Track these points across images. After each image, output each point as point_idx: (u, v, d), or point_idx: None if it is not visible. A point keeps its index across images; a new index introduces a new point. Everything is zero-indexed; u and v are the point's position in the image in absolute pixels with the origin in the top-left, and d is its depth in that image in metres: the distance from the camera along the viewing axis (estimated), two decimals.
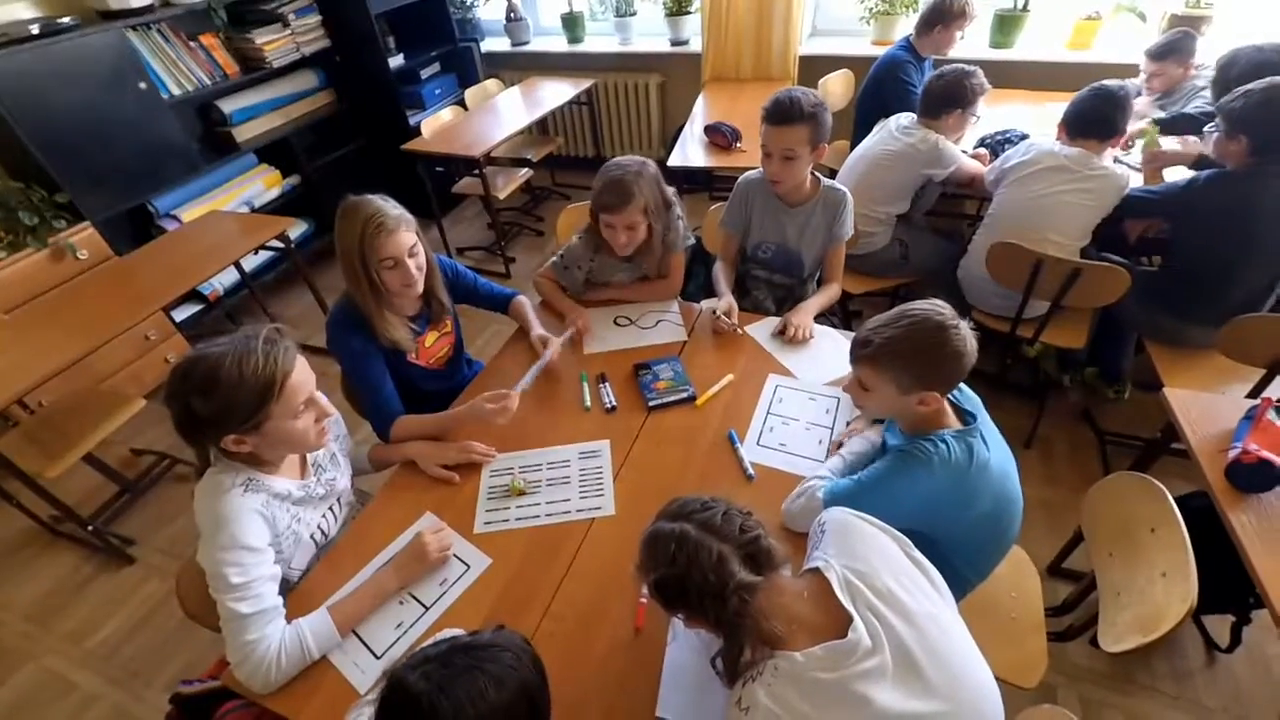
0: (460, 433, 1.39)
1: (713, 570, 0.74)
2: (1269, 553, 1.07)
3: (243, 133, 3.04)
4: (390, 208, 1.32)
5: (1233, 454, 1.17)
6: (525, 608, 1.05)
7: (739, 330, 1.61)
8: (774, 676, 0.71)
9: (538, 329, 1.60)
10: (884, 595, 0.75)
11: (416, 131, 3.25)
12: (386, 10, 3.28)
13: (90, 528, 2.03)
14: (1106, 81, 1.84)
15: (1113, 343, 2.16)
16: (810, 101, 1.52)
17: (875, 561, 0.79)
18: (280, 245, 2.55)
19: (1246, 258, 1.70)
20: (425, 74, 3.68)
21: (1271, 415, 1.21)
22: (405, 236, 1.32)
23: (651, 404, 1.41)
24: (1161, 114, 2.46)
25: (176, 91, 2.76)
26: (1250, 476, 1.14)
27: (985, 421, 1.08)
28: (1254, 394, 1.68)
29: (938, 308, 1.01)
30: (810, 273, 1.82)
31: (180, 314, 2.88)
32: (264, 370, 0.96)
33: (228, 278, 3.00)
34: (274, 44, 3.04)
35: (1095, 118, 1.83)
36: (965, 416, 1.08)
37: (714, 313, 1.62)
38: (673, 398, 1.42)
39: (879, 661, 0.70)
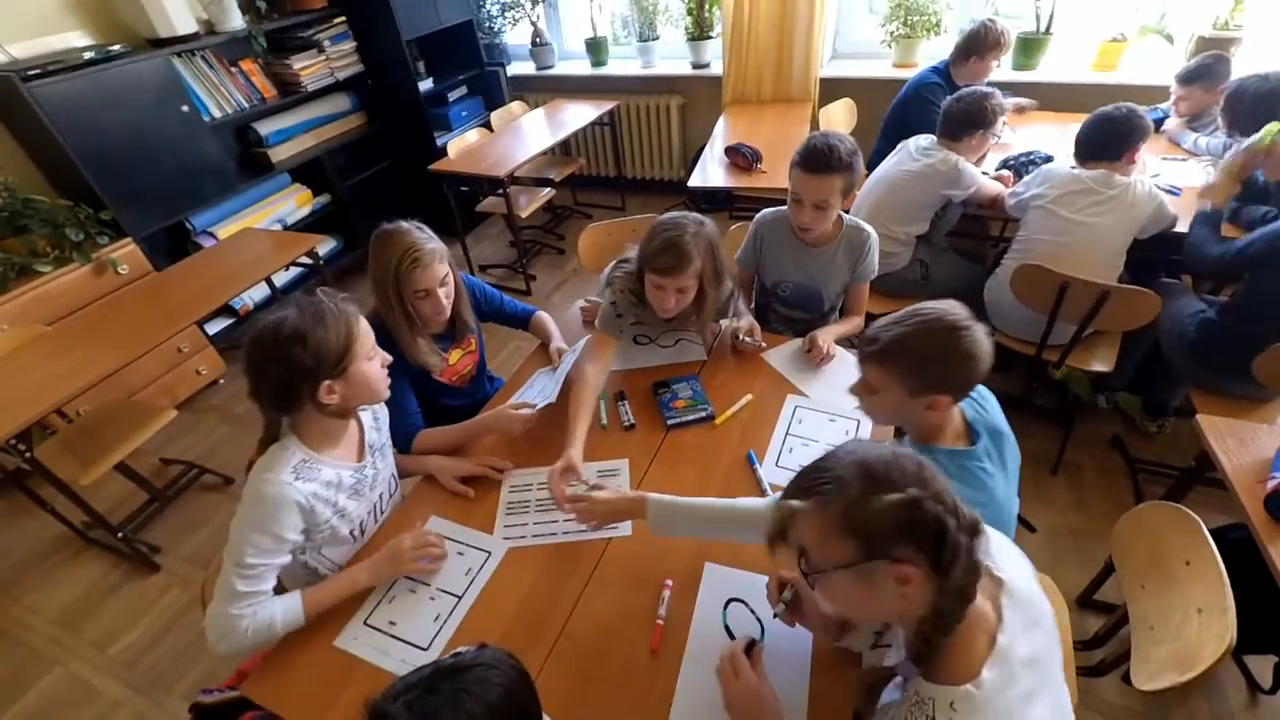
0: (481, 443, 1.41)
1: (950, 497, 0.65)
2: None
3: (278, 153, 3.15)
4: (425, 240, 1.36)
5: (1272, 484, 1.13)
6: (541, 626, 1.05)
7: (763, 346, 1.61)
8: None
9: (558, 341, 1.63)
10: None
11: (443, 152, 3.34)
12: (417, 37, 3.40)
13: (120, 535, 2.08)
14: (1109, 107, 1.85)
15: (1162, 378, 2.10)
16: (846, 150, 1.48)
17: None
18: (310, 261, 2.62)
19: None
20: (453, 96, 3.79)
21: None
22: (439, 269, 1.37)
23: (670, 423, 1.41)
24: (1193, 135, 2.43)
25: (217, 114, 2.88)
26: None
27: (1005, 442, 1.05)
28: None
29: (951, 308, 0.99)
30: (831, 308, 1.80)
31: (212, 327, 2.98)
32: (339, 315, 1.06)
33: (259, 292, 3.09)
34: (310, 69, 3.16)
35: (1099, 141, 1.83)
36: (972, 435, 1.04)
37: (735, 334, 1.62)
38: (691, 417, 1.41)
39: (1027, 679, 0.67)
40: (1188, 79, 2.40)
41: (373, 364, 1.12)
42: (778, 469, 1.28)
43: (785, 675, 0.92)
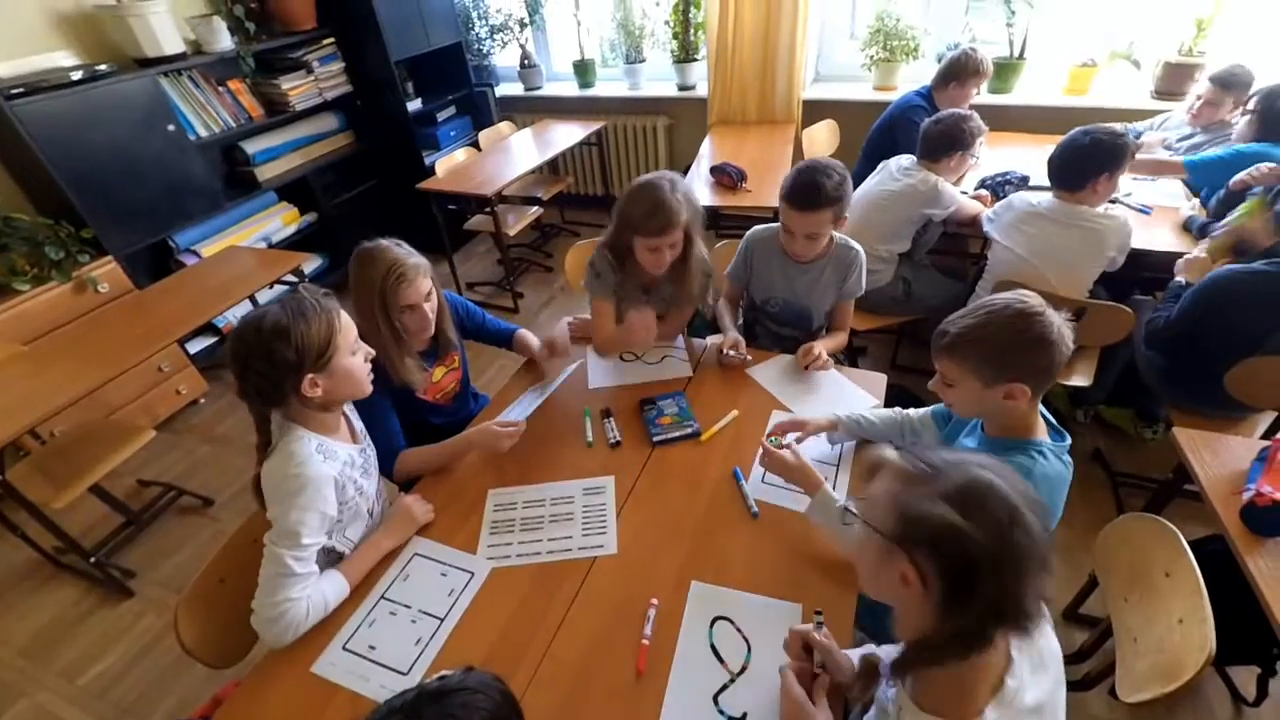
0: (464, 461, 1.40)
1: (1014, 574, 0.60)
2: None
3: (264, 172, 3.15)
4: (407, 255, 1.37)
5: (1247, 496, 1.15)
6: (524, 650, 1.03)
7: (748, 360, 1.62)
8: None
9: (536, 344, 1.66)
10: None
11: (431, 171, 3.35)
12: (406, 58, 3.43)
13: (93, 559, 2.02)
14: (1076, 132, 1.80)
15: (1142, 389, 2.13)
16: (834, 182, 1.46)
17: None
18: (295, 279, 2.61)
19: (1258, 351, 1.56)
20: (441, 117, 3.82)
21: None
22: (423, 283, 1.37)
23: (656, 439, 1.41)
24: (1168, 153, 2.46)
25: (203, 133, 2.88)
26: (1265, 519, 1.12)
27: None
28: (1267, 435, 1.66)
29: (1020, 296, 0.98)
30: (819, 325, 1.82)
31: (194, 346, 2.94)
32: (321, 310, 1.08)
33: (242, 310, 3.06)
34: (298, 89, 3.18)
35: (1063, 169, 1.83)
36: (1052, 432, 1.04)
37: (720, 349, 1.63)
38: (677, 433, 1.41)
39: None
40: (1226, 83, 2.32)
41: (355, 358, 1.13)
42: (764, 485, 1.28)
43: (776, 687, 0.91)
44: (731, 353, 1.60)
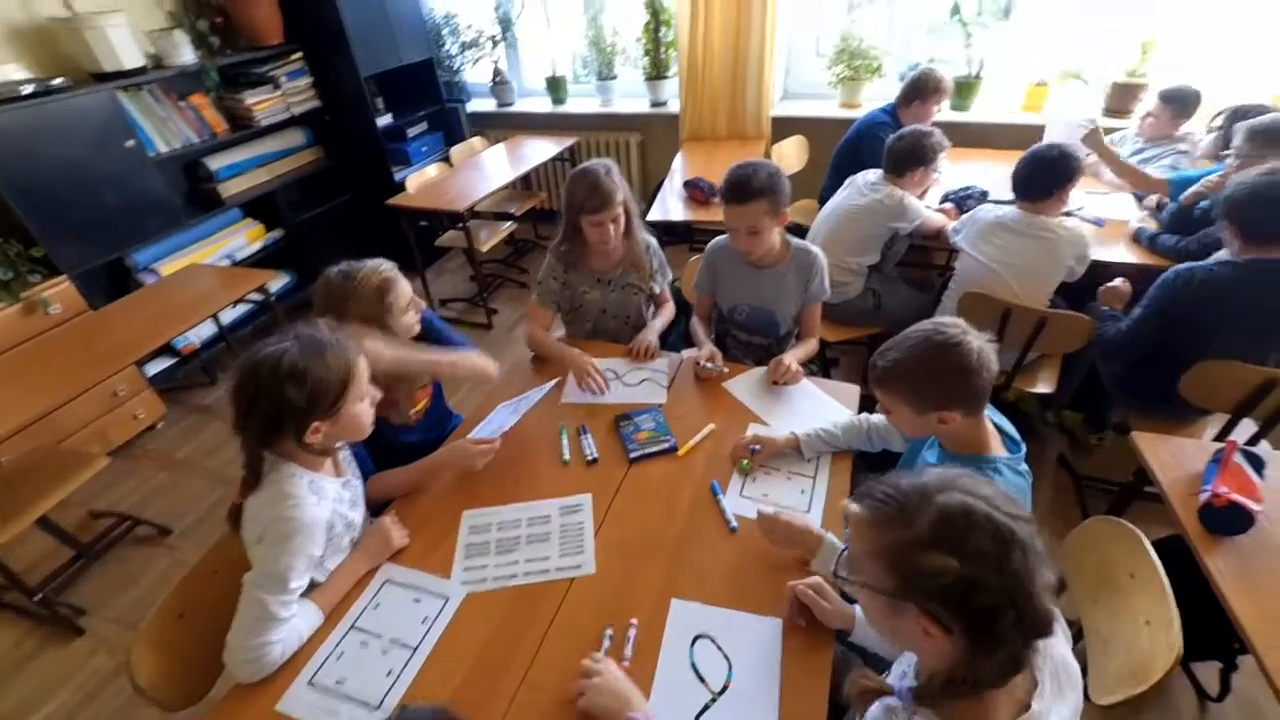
0: (436, 482, 1.36)
1: (1026, 593, 0.60)
2: (1248, 596, 1.08)
3: (228, 188, 3.07)
4: (377, 262, 1.37)
5: (1204, 497, 1.19)
6: (500, 677, 1.00)
7: (725, 370, 1.63)
8: None
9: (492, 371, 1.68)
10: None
11: (402, 187, 3.31)
12: (377, 74, 3.41)
13: (38, 597, 1.91)
14: (1042, 146, 1.91)
15: (1100, 395, 2.20)
16: (764, 175, 1.54)
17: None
18: (260, 298, 2.54)
19: (1209, 351, 1.63)
20: (412, 132, 3.79)
21: (1238, 458, 1.24)
22: (406, 283, 1.40)
23: (633, 455, 1.40)
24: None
25: (164, 149, 2.80)
26: (1222, 519, 1.16)
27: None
28: (1220, 437, 1.72)
29: (940, 326, 1.00)
30: (787, 331, 1.85)
31: (153, 368, 2.83)
32: (341, 355, 1.05)
33: (204, 331, 2.97)
34: (264, 104, 3.12)
35: (1031, 181, 1.90)
36: (1008, 442, 1.07)
37: (697, 361, 1.64)
38: (654, 448, 1.41)
39: None
40: (1168, 99, 2.45)
41: (364, 404, 1.11)
42: (742, 499, 1.28)
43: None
44: (709, 364, 1.61)
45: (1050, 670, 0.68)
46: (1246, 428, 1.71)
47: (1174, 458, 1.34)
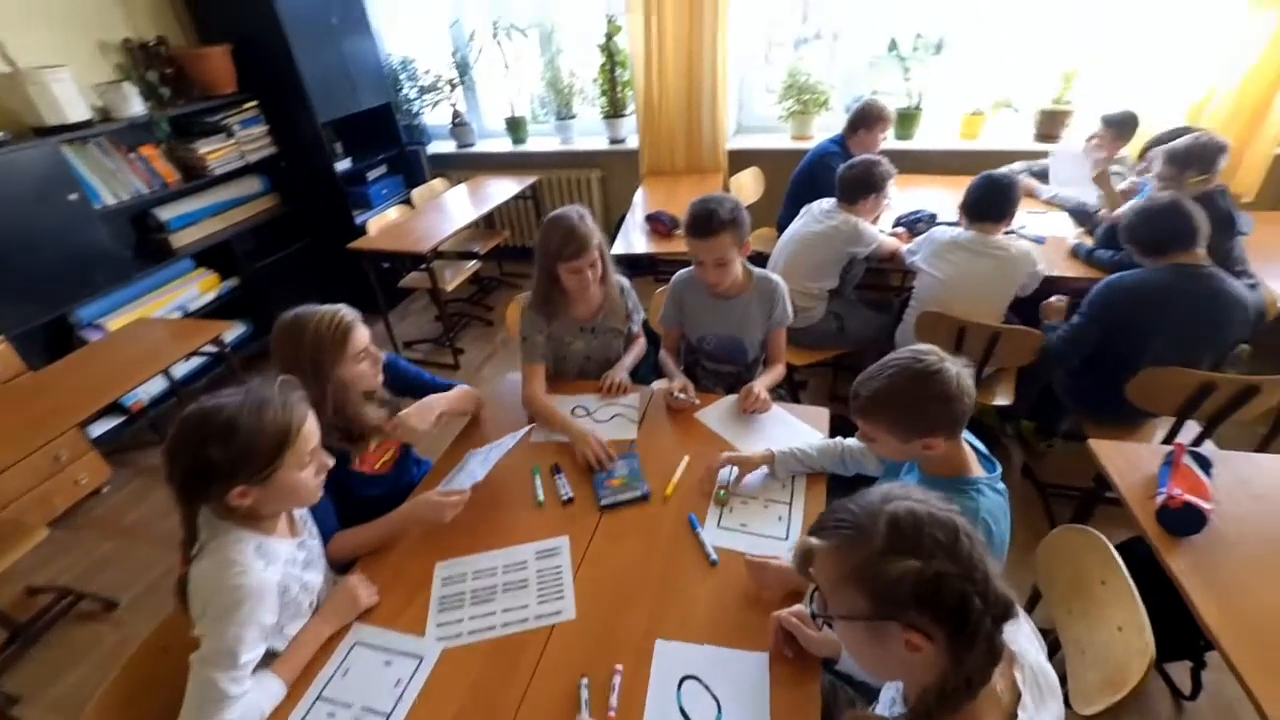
0: (404, 537, 1.31)
1: (982, 575, 0.63)
2: (1209, 595, 1.11)
3: (180, 238, 3.00)
4: (335, 307, 1.33)
5: (1160, 500, 1.24)
6: None
7: (696, 402, 1.64)
8: None
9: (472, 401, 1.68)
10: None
11: (363, 230, 3.29)
12: (334, 119, 3.40)
13: None
14: (994, 171, 2.08)
15: (1050, 404, 2.28)
16: (727, 209, 1.58)
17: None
18: (215, 349, 2.46)
19: (1147, 352, 1.73)
20: (372, 176, 3.78)
21: (1187, 460, 1.30)
22: (364, 328, 1.36)
23: (603, 503, 1.35)
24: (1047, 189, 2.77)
25: (110, 201, 2.72)
26: (1179, 521, 1.20)
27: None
28: (1168, 439, 1.80)
29: (919, 355, 1.03)
30: (755, 358, 1.88)
31: (98, 428, 2.69)
32: (282, 417, 0.98)
33: (154, 386, 2.85)
34: (217, 153, 3.08)
35: (986, 204, 2.02)
36: (984, 461, 1.09)
37: (669, 393, 1.65)
38: (625, 496, 1.36)
39: None
40: (1110, 123, 2.61)
41: (305, 472, 1.03)
42: (720, 530, 1.27)
43: None
44: (681, 395, 1.62)
45: (1030, 680, 0.69)
46: (1192, 429, 1.79)
47: (1129, 462, 1.40)
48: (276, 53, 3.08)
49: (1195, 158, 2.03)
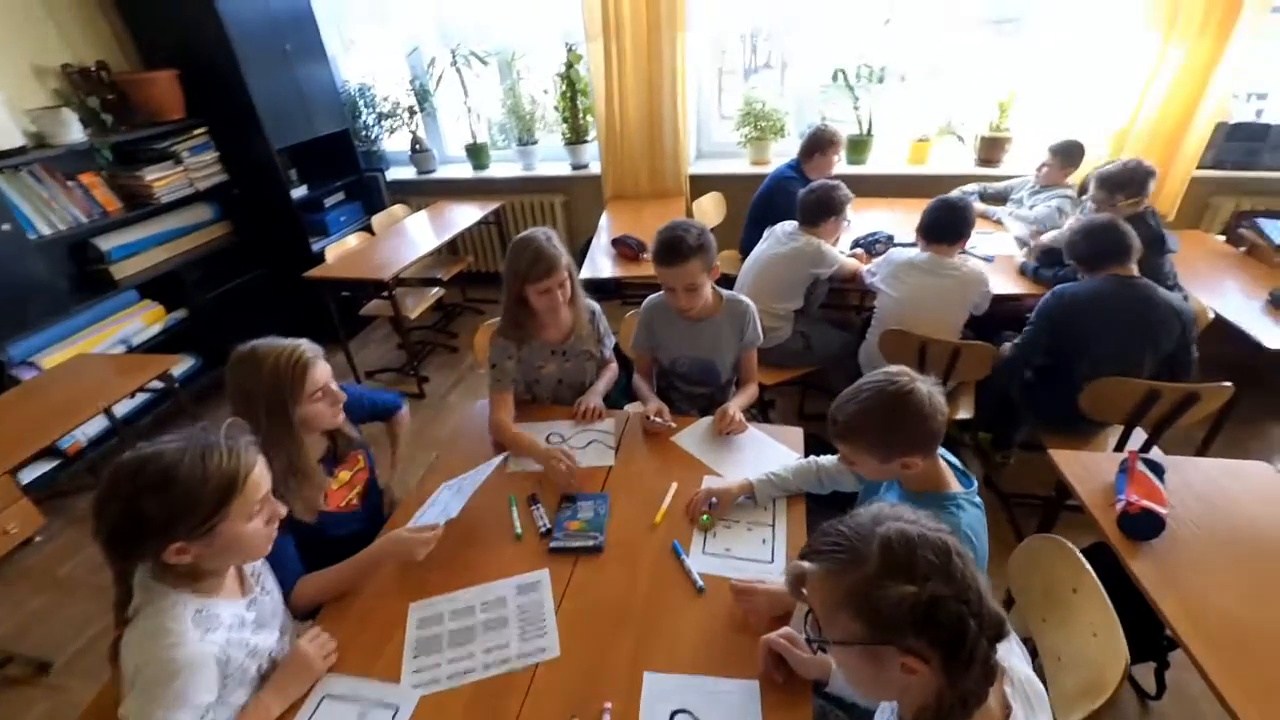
0: (373, 578, 1.25)
1: (975, 595, 0.63)
2: (1171, 595, 1.16)
3: (123, 269, 2.85)
4: (295, 341, 1.27)
5: (1120, 506, 1.29)
6: None
7: (673, 425, 1.63)
8: None
9: (400, 451, 1.71)
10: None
11: (321, 258, 3.19)
12: (289, 146, 3.32)
13: None
14: (949, 195, 2.18)
15: (1006, 416, 2.37)
16: (694, 235, 1.61)
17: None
18: (162, 385, 2.33)
19: (1092, 358, 1.83)
20: (329, 203, 3.70)
21: (1141, 466, 1.36)
22: (324, 364, 1.29)
23: (552, 546, 1.29)
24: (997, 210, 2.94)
25: (46, 231, 2.57)
26: (1138, 526, 1.26)
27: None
28: (1119, 446, 1.90)
29: (891, 377, 1.05)
30: (728, 379, 1.90)
31: (30, 472, 2.49)
32: (228, 464, 0.90)
33: (93, 426, 2.67)
34: (164, 180, 2.95)
35: (942, 227, 2.11)
36: (959, 476, 1.11)
37: (645, 416, 1.64)
38: (576, 544, 1.29)
39: None
40: (1058, 151, 2.77)
41: (254, 523, 0.95)
42: (705, 556, 1.26)
43: None
44: (657, 419, 1.62)
45: (1020, 694, 0.71)
46: (1140, 436, 1.89)
47: (1087, 470, 1.46)
48: (228, 78, 3.00)
49: (1126, 182, 2.19)
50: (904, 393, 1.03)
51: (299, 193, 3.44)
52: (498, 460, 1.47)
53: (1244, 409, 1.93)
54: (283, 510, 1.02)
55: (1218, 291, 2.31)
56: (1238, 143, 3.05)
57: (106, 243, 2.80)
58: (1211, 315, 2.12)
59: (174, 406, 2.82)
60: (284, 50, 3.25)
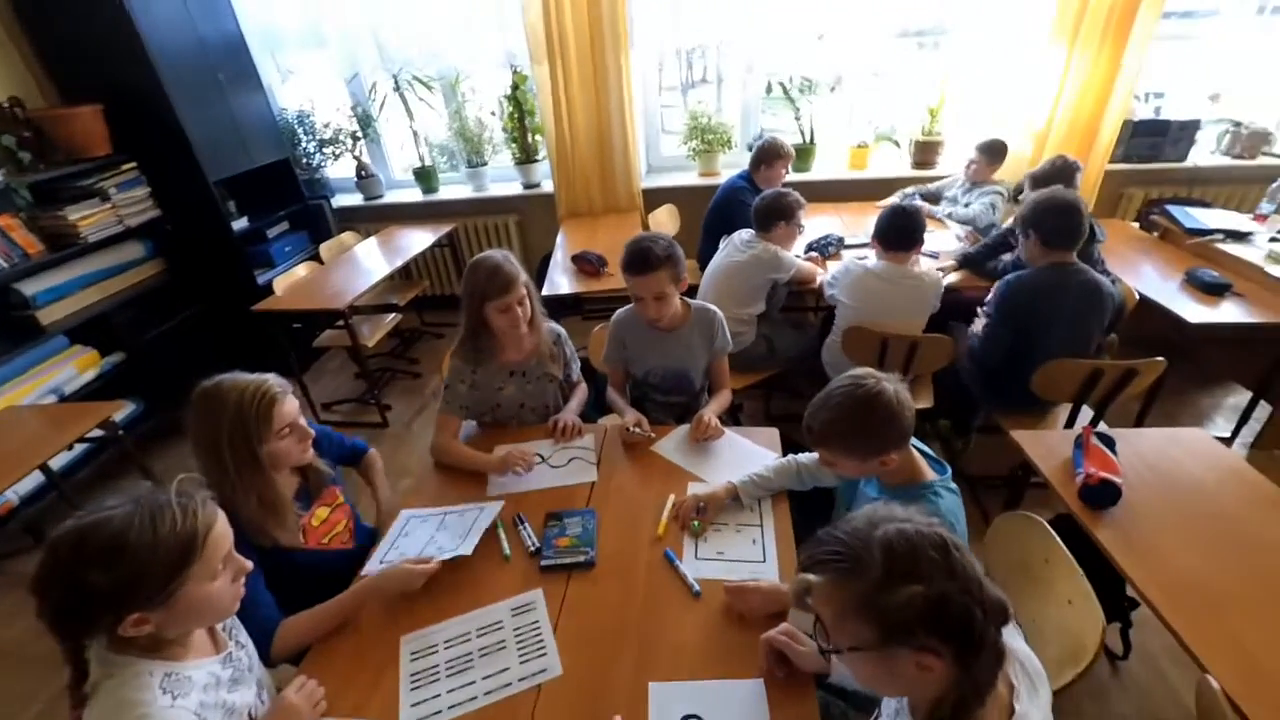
0: (362, 615, 1.21)
1: (976, 584, 0.64)
2: (1133, 558, 1.24)
3: (50, 314, 2.66)
4: (262, 377, 1.22)
5: (1079, 479, 1.37)
6: None
7: (652, 436, 1.64)
8: None
9: (385, 490, 1.60)
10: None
11: (267, 290, 3.07)
12: (226, 177, 3.19)
13: None
14: (901, 202, 2.28)
15: (964, 404, 2.48)
16: (662, 246, 1.65)
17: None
18: (103, 434, 2.18)
19: (1048, 342, 1.92)
20: (273, 233, 3.57)
21: (1094, 440, 1.46)
22: (292, 400, 1.24)
23: (543, 565, 1.28)
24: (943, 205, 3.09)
25: None
26: (1098, 496, 1.34)
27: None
28: (1069, 423, 2.02)
29: (858, 381, 1.09)
30: (701, 386, 1.92)
31: None
32: (184, 526, 0.83)
33: (26, 483, 2.46)
34: (90, 219, 2.78)
35: (896, 233, 2.17)
36: (933, 464, 1.16)
37: (624, 429, 1.64)
38: (568, 560, 1.28)
39: None
40: (984, 150, 2.96)
41: (219, 582, 0.88)
42: (698, 561, 1.27)
43: None
44: (636, 429, 1.62)
45: (1020, 671, 0.73)
46: (1087, 413, 2.02)
47: (1047, 448, 1.55)
48: (158, 112, 2.86)
49: (1055, 177, 2.35)
50: (873, 394, 1.08)
51: (240, 224, 3.30)
52: (498, 506, 1.42)
53: (1171, 381, 2.08)
54: (248, 565, 0.95)
55: (1138, 274, 2.50)
56: (1142, 138, 3.33)
57: (30, 287, 2.61)
58: (1137, 296, 2.29)
59: (118, 454, 2.63)
60: (217, 79, 3.14)
